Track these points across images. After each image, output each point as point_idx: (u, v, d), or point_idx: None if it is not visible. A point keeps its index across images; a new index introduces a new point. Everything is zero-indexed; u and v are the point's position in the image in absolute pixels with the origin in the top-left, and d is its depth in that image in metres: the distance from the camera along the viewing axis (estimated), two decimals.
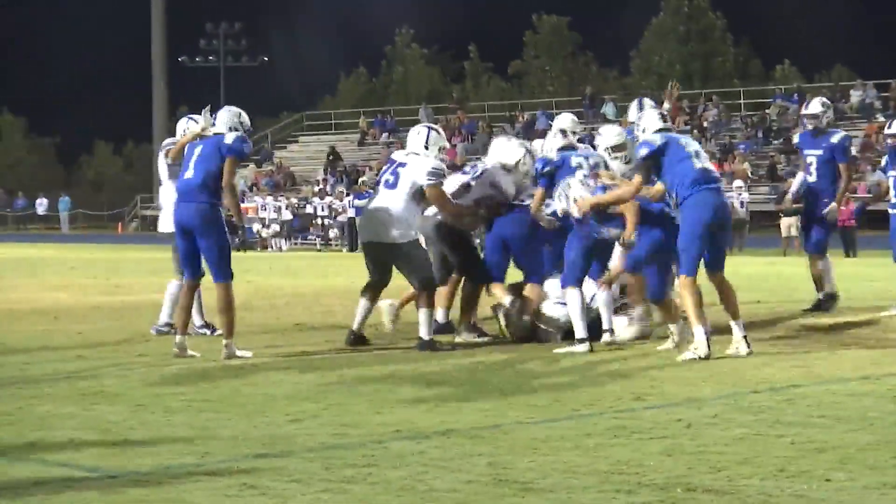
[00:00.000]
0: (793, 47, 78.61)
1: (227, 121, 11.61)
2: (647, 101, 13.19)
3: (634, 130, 11.97)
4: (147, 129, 73.68)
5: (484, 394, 9.02)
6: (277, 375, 10.14)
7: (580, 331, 11.56)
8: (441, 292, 12.49)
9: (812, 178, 15.06)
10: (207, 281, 11.60)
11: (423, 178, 11.85)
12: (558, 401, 8.65)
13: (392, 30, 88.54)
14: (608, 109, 55.48)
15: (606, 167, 12.21)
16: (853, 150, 16.33)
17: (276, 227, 46.37)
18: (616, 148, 12.51)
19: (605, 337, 11.89)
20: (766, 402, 8.41)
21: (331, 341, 12.54)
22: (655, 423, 7.68)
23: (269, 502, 5.83)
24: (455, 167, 23.43)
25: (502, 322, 12.49)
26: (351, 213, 41.72)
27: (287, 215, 46.80)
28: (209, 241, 11.25)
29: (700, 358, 10.57)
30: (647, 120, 11.50)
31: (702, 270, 11.03)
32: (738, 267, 18.97)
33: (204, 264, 11.39)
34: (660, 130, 11.28)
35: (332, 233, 45.20)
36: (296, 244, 46.10)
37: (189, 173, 11.37)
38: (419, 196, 11.93)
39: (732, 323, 11.00)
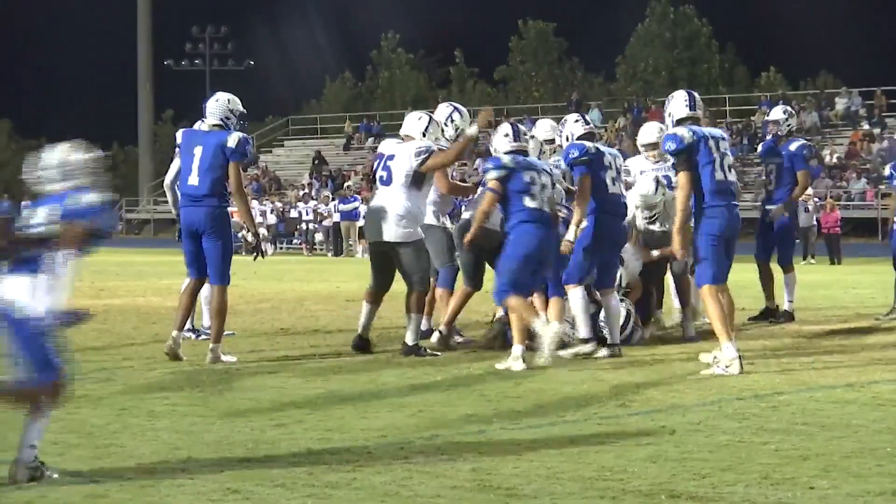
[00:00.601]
0: (778, 54, 78.66)
1: (218, 112, 11.47)
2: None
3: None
4: (133, 133, 73.57)
5: (468, 399, 9.02)
6: (262, 380, 10.13)
7: (584, 330, 11.46)
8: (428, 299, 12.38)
9: (771, 186, 14.93)
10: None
11: (413, 162, 11.73)
12: (542, 407, 8.65)
13: (378, 34, 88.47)
14: (594, 115, 55.52)
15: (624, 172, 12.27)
16: (813, 160, 16.17)
17: (262, 232, 46.31)
18: (549, 142, 12.64)
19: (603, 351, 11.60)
20: (751, 410, 8.42)
21: (315, 346, 12.52)
22: (640, 430, 7.69)
23: None
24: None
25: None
26: (336, 217, 41.67)
27: (272, 219, 46.75)
28: (215, 243, 11.26)
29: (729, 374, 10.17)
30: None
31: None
32: None
33: None
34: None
35: (318, 237, 45.15)
36: (281, 248, 46.05)
37: (194, 179, 11.30)
38: (418, 181, 11.78)
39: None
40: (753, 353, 11.47)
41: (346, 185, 45.78)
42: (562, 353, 11.18)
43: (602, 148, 11.95)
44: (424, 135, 12.02)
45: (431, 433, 7.61)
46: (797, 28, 78.26)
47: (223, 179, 11.23)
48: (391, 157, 11.90)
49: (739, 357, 10.28)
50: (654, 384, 9.70)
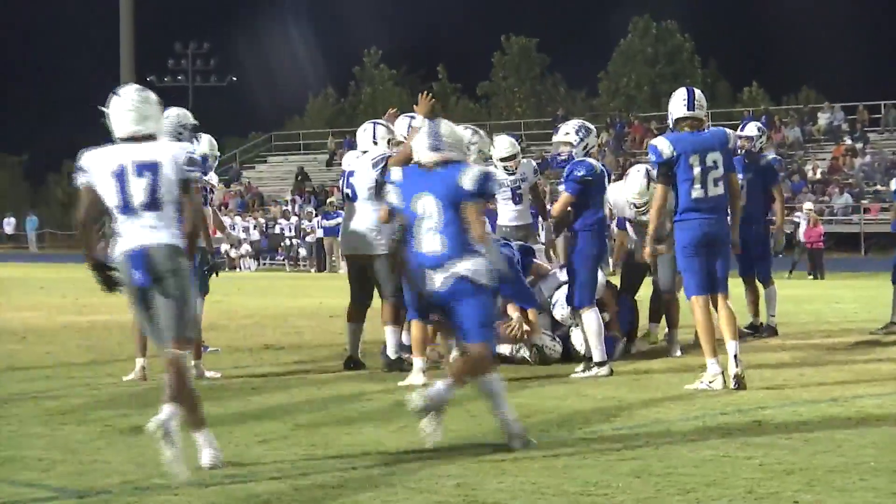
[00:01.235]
0: (760, 70, 79.03)
1: (170, 128, 10.99)
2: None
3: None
4: None
5: (453, 414, 9.00)
6: (246, 396, 10.12)
7: (598, 353, 11.28)
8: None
9: (743, 202, 14.89)
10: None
11: (373, 173, 11.74)
12: (527, 421, 8.65)
13: (360, 50, 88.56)
14: None
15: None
16: (795, 176, 16.22)
17: (245, 248, 46.24)
18: (506, 159, 12.85)
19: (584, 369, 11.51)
20: (735, 424, 8.43)
21: (299, 362, 12.51)
22: (624, 445, 7.69)
23: None
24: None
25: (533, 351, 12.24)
26: (319, 233, 41.64)
27: (255, 235, 46.71)
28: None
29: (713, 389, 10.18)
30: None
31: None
32: None
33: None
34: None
35: (301, 252, 45.11)
36: (264, 264, 46.01)
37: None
38: (383, 192, 11.76)
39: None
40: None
41: (329, 200, 45.63)
42: (577, 375, 11.15)
43: (604, 167, 11.98)
44: (376, 143, 12.06)
45: (416, 448, 7.60)
46: (779, 44, 78.69)
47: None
48: (352, 174, 11.99)
49: (723, 373, 10.26)
50: (639, 399, 9.71)
